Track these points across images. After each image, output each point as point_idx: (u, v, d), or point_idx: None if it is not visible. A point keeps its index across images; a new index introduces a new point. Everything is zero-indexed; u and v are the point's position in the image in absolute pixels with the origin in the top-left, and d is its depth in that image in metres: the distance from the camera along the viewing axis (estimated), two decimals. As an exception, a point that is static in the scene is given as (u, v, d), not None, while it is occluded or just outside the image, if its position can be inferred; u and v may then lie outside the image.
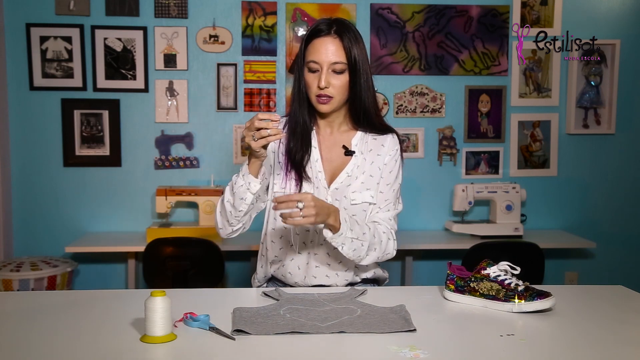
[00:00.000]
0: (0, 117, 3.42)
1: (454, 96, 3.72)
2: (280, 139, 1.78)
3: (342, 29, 1.74)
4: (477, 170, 3.77)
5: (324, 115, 1.84)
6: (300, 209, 1.55)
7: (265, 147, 1.63)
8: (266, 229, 1.89)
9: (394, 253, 1.84)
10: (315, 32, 1.75)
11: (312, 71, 1.75)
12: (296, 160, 1.81)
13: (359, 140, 1.86)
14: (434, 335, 1.40)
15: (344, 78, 1.75)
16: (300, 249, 1.84)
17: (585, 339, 1.39)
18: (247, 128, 1.60)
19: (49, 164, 3.55)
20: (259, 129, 1.57)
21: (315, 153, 1.84)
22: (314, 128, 1.87)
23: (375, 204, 1.84)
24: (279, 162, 1.85)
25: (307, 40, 1.77)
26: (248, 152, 1.69)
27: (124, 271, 3.55)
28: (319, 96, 1.76)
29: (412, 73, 3.68)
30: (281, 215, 1.58)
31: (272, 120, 1.56)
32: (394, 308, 1.55)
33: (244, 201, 1.72)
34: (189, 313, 1.45)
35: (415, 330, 1.41)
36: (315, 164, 1.83)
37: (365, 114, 1.83)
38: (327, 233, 1.67)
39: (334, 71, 1.74)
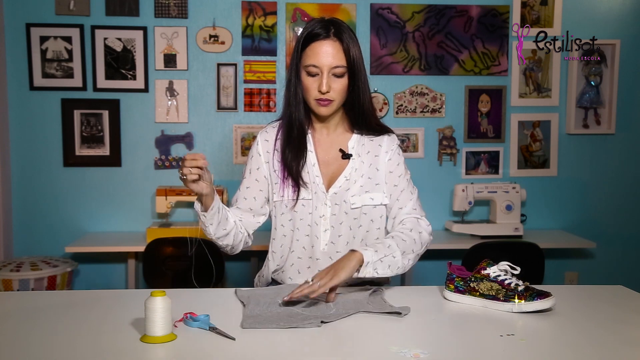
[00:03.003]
0: (0, 117, 3.42)
1: (454, 96, 3.72)
2: (275, 148, 1.83)
3: (340, 30, 1.72)
4: (477, 170, 3.77)
5: (321, 118, 1.83)
6: (310, 282, 1.54)
7: (196, 183, 1.64)
8: (273, 235, 1.90)
9: (431, 237, 1.86)
10: (313, 36, 1.72)
11: (312, 75, 1.73)
12: (292, 167, 1.80)
13: (356, 142, 1.85)
14: (434, 335, 1.40)
15: (344, 81, 1.74)
16: (300, 255, 1.84)
17: (585, 339, 1.39)
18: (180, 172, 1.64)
19: (49, 164, 3.55)
20: (183, 173, 1.61)
21: (311, 157, 1.82)
22: (310, 130, 1.86)
23: (377, 205, 1.83)
24: (275, 171, 1.84)
25: (304, 43, 1.74)
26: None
27: (124, 271, 3.55)
28: (319, 100, 1.74)
29: (412, 73, 3.68)
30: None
31: (193, 159, 1.60)
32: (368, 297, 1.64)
33: (213, 235, 1.79)
34: (189, 313, 1.45)
35: (400, 313, 1.50)
36: (312, 169, 1.82)
37: (363, 116, 1.82)
38: (357, 274, 1.64)
39: (334, 75, 1.73)
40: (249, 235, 1.90)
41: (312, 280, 1.56)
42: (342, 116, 1.86)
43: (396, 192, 1.84)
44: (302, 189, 1.80)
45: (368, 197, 1.81)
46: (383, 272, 1.67)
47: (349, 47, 1.72)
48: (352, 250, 1.66)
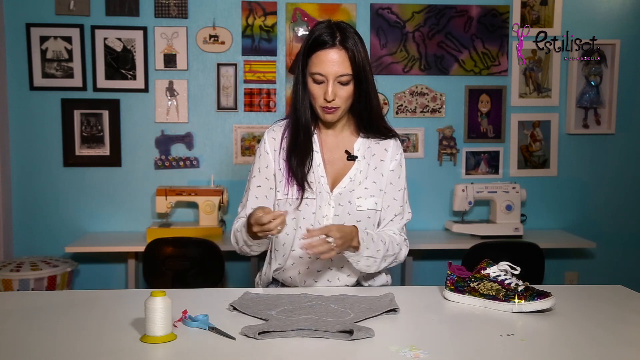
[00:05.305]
0: (0, 117, 3.42)
1: (454, 96, 3.72)
2: (282, 147, 1.85)
3: (346, 37, 1.73)
4: (477, 170, 3.77)
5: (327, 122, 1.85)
6: (332, 243, 1.60)
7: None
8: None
9: (404, 259, 1.91)
10: (319, 43, 1.73)
11: (317, 82, 1.75)
12: (297, 173, 1.80)
13: (361, 145, 1.87)
14: (434, 335, 1.40)
15: (350, 88, 1.76)
16: (301, 254, 1.84)
17: (585, 339, 1.39)
18: (254, 224, 1.64)
19: (49, 164, 3.55)
20: (262, 224, 1.61)
21: (317, 157, 1.84)
22: (316, 131, 1.87)
23: (380, 210, 1.85)
24: (280, 170, 1.85)
25: (309, 49, 1.75)
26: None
27: (124, 271, 3.55)
28: (325, 107, 1.76)
29: (412, 73, 3.68)
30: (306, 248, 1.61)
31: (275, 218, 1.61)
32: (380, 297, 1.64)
33: (256, 253, 1.89)
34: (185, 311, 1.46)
35: (397, 310, 1.53)
36: (317, 169, 1.83)
37: (370, 119, 1.84)
38: (347, 253, 1.73)
39: (340, 82, 1.74)
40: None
41: (331, 240, 1.59)
42: (349, 119, 1.88)
43: (395, 206, 1.87)
44: (307, 190, 1.81)
45: (373, 201, 1.83)
46: (360, 267, 1.77)
47: (355, 54, 1.73)
48: (357, 231, 1.70)
